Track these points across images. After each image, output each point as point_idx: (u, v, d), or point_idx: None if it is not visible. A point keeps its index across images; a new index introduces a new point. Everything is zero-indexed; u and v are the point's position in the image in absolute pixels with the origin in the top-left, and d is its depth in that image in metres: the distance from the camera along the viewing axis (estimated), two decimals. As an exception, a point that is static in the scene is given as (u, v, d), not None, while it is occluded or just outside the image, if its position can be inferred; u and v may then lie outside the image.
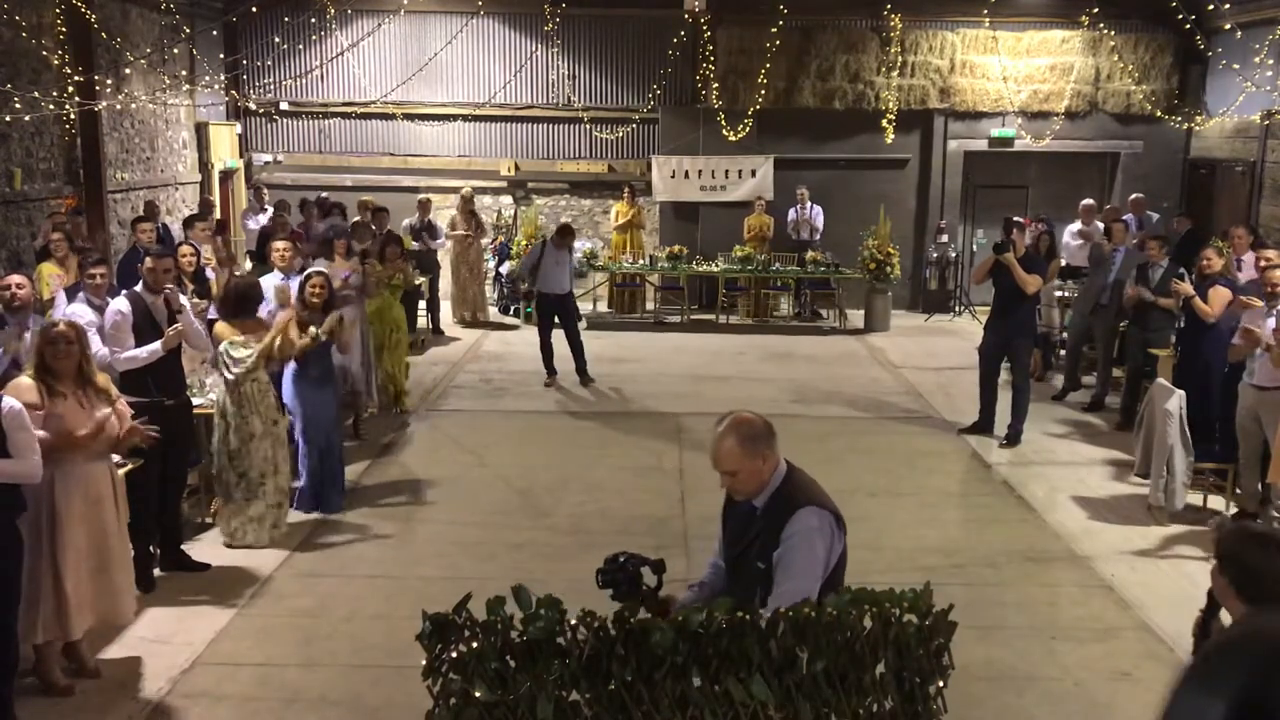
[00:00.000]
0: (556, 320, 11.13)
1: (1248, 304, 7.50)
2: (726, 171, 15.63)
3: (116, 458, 5.67)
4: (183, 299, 6.52)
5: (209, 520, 7.15)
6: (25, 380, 4.98)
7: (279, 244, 8.56)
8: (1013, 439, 9.20)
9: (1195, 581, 6.52)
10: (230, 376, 6.61)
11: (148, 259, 6.46)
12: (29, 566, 4.83)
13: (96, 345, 5.99)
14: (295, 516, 7.27)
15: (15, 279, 6.61)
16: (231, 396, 6.66)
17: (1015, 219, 10.81)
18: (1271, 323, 6.94)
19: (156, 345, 6.18)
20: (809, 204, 15.11)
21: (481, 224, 14.65)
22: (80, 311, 6.38)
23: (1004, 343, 9.22)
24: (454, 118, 15.90)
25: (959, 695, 4.17)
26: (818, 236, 15.08)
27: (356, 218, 12.43)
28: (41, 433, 4.78)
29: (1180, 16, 13.85)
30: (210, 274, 9.26)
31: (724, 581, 3.62)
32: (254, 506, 6.73)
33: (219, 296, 7.61)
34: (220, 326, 6.80)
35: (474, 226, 14.30)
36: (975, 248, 15.86)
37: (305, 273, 7.61)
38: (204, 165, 14.65)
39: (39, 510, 4.89)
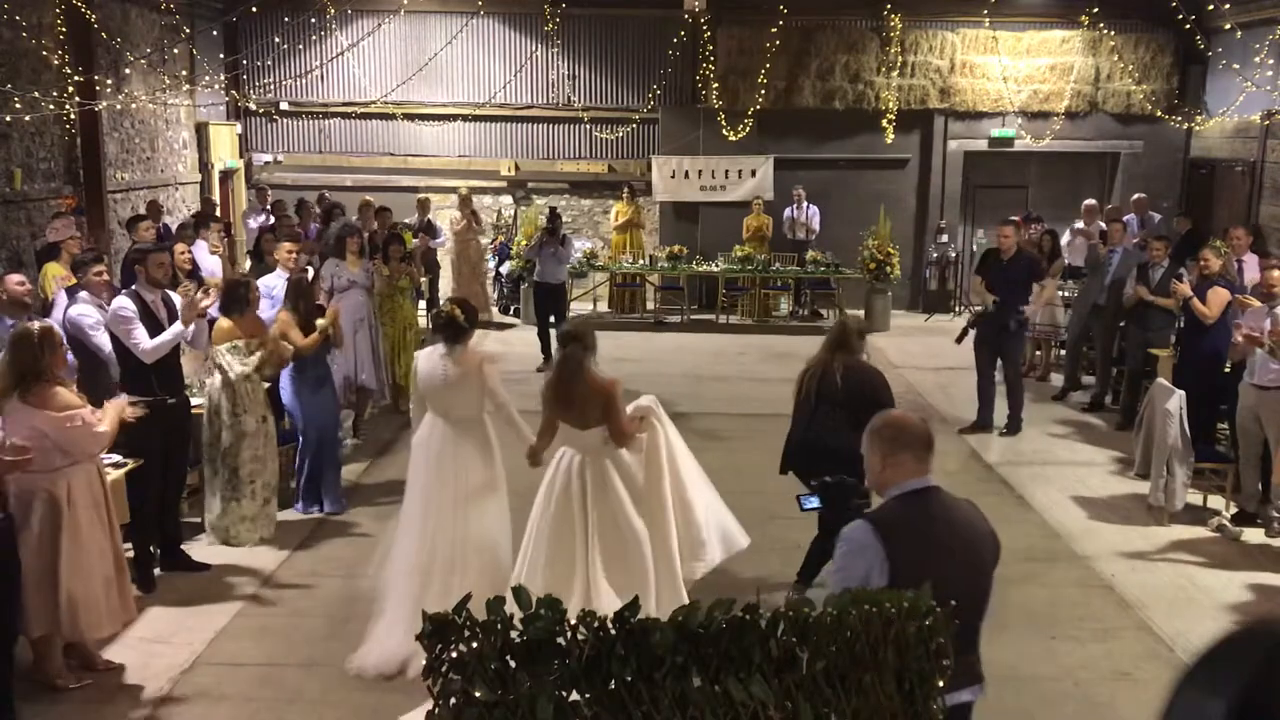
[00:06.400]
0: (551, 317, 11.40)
1: (1245, 303, 7.51)
2: (726, 171, 15.62)
3: (114, 458, 5.69)
4: (175, 296, 6.53)
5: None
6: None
7: (287, 244, 8.68)
8: (1013, 427, 9.31)
9: (1195, 581, 6.53)
10: (233, 375, 6.61)
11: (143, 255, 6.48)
12: (48, 565, 4.85)
13: (140, 337, 5.98)
14: (295, 516, 7.28)
15: (18, 279, 6.63)
16: (226, 393, 6.65)
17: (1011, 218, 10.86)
18: (1270, 324, 6.94)
19: (178, 325, 6.17)
20: (805, 204, 15.11)
21: (480, 221, 14.67)
22: (86, 311, 6.38)
23: (994, 338, 9.32)
24: (454, 118, 15.89)
25: (959, 695, 4.17)
26: (813, 237, 15.07)
27: (355, 217, 12.42)
28: (89, 413, 4.89)
29: (1180, 16, 13.84)
30: (215, 270, 9.35)
31: None
32: (245, 506, 6.73)
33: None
34: (220, 327, 6.79)
35: (475, 223, 14.33)
36: (975, 248, 15.83)
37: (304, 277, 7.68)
38: (204, 165, 14.64)
39: (58, 511, 4.89)
